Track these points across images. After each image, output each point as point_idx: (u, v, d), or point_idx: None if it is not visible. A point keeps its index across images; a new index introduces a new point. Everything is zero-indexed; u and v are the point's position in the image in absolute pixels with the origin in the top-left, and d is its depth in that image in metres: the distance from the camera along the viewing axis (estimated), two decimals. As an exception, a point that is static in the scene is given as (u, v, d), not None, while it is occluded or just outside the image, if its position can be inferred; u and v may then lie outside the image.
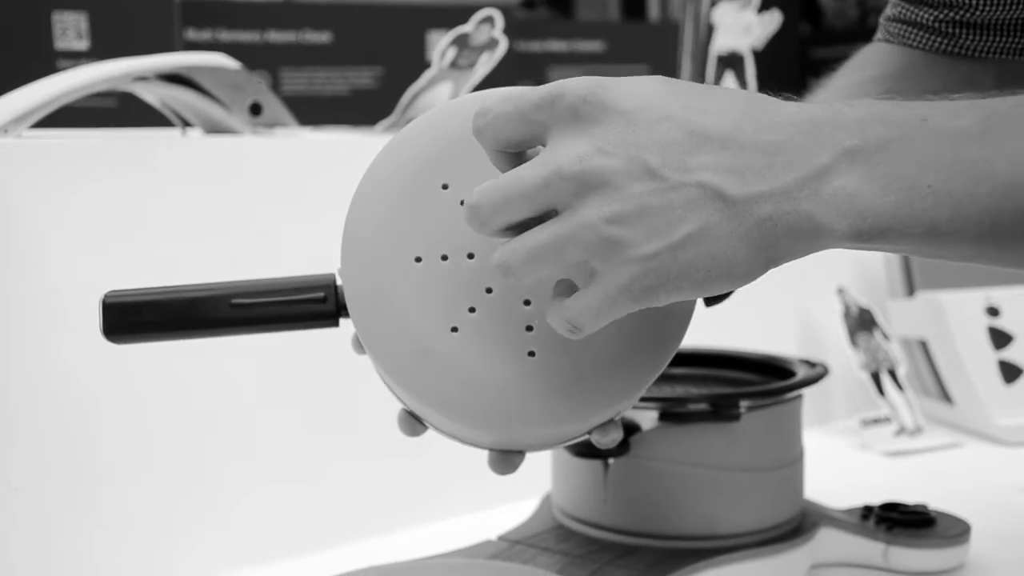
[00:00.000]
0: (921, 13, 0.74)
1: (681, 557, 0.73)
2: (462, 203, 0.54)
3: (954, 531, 0.80)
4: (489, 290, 0.54)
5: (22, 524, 0.76)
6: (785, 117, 0.44)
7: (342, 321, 0.58)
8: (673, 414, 0.74)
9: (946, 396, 1.19)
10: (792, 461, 0.79)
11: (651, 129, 0.44)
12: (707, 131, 0.44)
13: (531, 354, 0.54)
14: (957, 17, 0.72)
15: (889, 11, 0.77)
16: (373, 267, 0.54)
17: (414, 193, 0.55)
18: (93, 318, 0.79)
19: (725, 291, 0.45)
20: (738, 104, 0.45)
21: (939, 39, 0.74)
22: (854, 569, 0.80)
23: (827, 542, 0.79)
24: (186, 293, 0.58)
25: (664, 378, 0.82)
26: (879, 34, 0.77)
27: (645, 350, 0.54)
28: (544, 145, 0.47)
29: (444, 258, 0.54)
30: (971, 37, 0.73)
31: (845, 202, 0.43)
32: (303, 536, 0.87)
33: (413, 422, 0.59)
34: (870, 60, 0.77)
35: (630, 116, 0.44)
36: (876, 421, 1.13)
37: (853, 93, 0.74)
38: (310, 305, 0.58)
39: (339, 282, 0.57)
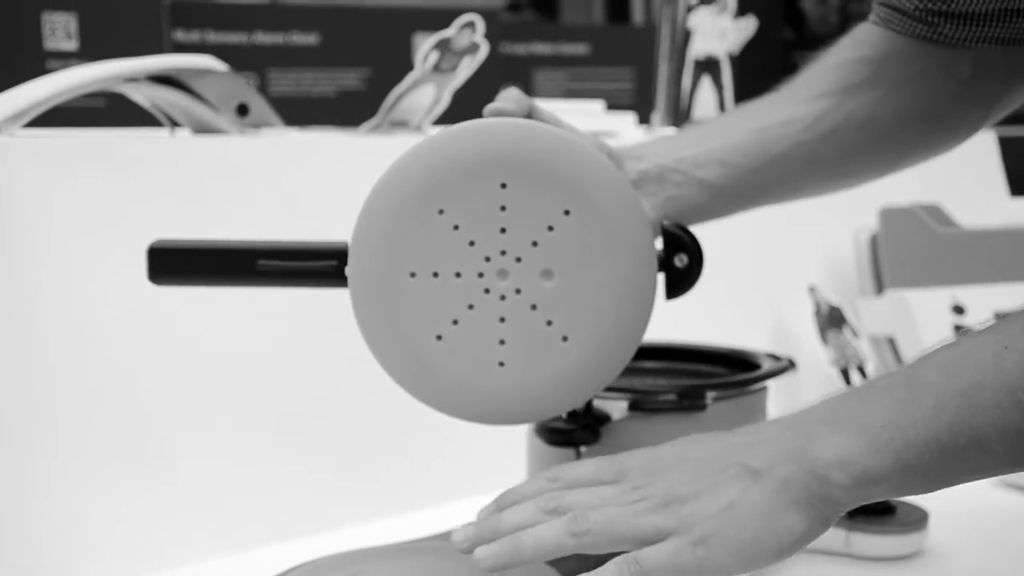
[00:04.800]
0: (904, 1, 0.77)
1: (649, 541, 0.75)
2: (455, 227, 0.62)
3: (912, 518, 0.83)
4: (471, 307, 0.62)
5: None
6: (771, 422, 0.59)
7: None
8: (642, 404, 0.77)
9: (913, 392, 1.22)
10: (757, 450, 0.82)
11: (689, 450, 0.60)
12: (726, 443, 0.58)
13: (501, 364, 0.63)
14: (936, 7, 0.75)
15: None
16: (373, 277, 0.62)
17: (412, 215, 0.62)
18: (80, 316, 0.82)
19: (786, 548, 0.55)
20: (739, 432, 0.59)
21: (920, 26, 0.77)
22: (817, 555, 0.83)
23: (791, 528, 0.82)
24: (221, 247, 0.67)
25: (635, 371, 0.85)
26: (871, 15, 0.81)
27: (595, 369, 0.64)
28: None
29: (435, 275, 0.62)
30: (949, 26, 0.76)
31: (831, 456, 0.55)
32: (284, 523, 0.89)
33: None
34: (859, 41, 0.81)
35: (680, 457, 0.60)
36: (845, 416, 1.16)
37: (841, 71, 0.79)
38: (324, 269, 0.66)
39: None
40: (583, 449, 0.78)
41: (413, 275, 0.62)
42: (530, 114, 0.69)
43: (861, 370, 1.19)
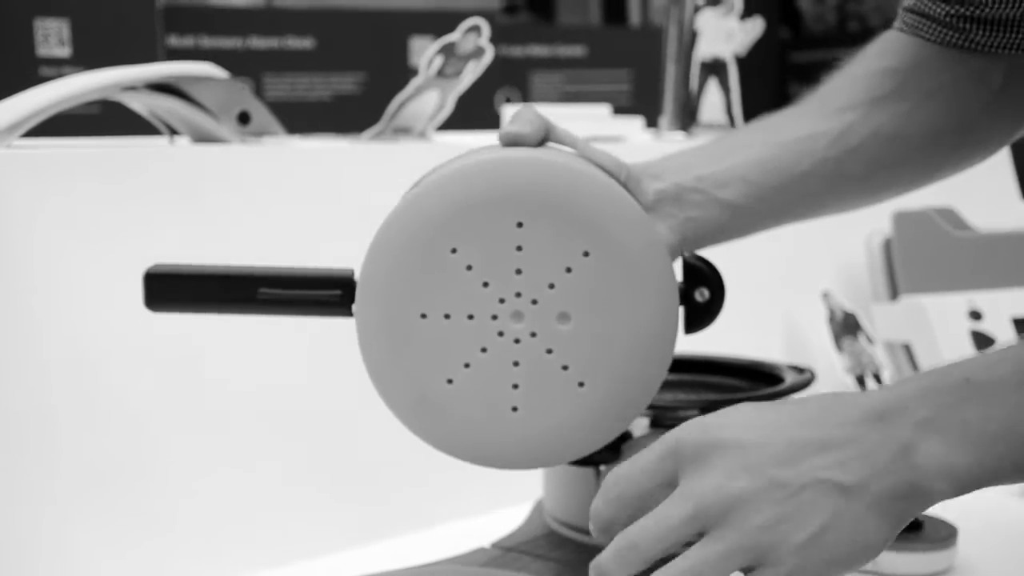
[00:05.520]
0: (934, 7, 0.74)
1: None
2: (468, 268, 0.59)
3: (941, 535, 0.81)
4: (484, 349, 0.60)
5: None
6: (857, 414, 0.53)
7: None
8: (664, 421, 0.75)
9: (930, 399, 1.20)
10: (781, 466, 0.79)
11: (761, 449, 0.52)
12: (804, 438, 0.52)
13: (515, 409, 0.61)
14: (968, 12, 0.72)
15: (907, 0, 0.78)
16: (381, 317, 0.60)
17: (424, 255, 0.59)
18: (77, 329, 0.80)
19: (868, 560, 0.53)
20: (814, 411, 0.54)
21: (951, 33, 0.74)
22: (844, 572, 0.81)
23: (816, 546, 0.80)
24: (220, 273, 0.64)
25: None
26: (897, 22, 0.78)
27: (612, 415, 0.62)
28: (675, 485, 0.53)
29: (447, 316, 0.60)
30: (981, 32, 0.73)
31: (935, 466, 0.51)
32: (294, 544, 0.87)
33: None
34: (886, 49, 0.78)
35: (742, 443, 0.52)
36: (861, 425, 1.14)
37: (868, 82, 0.76)
38: (328, 298, 0.63)
39: (356, 277, 0.62)
40: (602, 468, 0.76)
41: (424, 316, 0.60)
42: (547, 135, 0.65)
43: (877, 378, 1.17)
